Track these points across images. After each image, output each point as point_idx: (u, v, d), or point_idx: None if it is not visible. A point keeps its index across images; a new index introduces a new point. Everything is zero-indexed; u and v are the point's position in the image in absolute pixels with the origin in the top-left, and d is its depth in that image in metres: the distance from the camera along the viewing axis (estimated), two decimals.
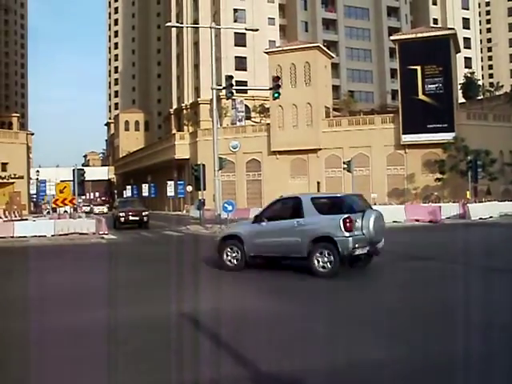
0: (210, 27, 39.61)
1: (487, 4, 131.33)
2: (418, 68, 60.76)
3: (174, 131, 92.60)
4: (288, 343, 8.45)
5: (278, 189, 62.97)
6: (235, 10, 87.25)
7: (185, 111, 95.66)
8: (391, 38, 69.13)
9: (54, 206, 42.94)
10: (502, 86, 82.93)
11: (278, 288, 13.63)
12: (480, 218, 39.48)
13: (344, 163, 48.28)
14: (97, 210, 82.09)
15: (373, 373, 7.05)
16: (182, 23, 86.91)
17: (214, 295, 12.62)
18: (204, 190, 38.19)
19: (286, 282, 14.62)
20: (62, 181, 48.30)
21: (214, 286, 13.92)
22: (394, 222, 37.47)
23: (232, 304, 11.60)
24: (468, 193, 46.32)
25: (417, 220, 38.35)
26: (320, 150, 64.43)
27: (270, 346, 8.35)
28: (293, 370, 7.16)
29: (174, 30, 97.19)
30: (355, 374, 7.02)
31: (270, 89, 35.84)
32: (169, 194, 69.40)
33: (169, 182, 70.27)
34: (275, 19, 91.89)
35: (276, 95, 34.08)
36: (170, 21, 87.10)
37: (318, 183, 62.98)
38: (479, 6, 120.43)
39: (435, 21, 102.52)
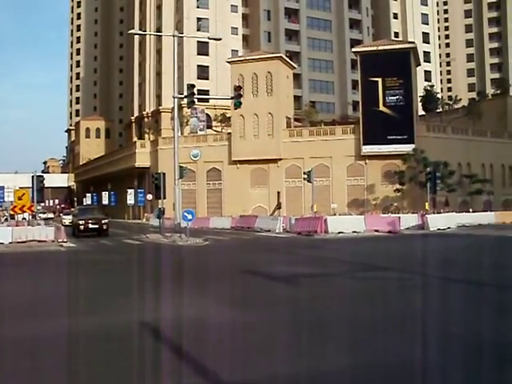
0: (173, 35, 39.43)
1: (446, 20, 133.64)
2: (379, 80, 61.31)
3: (134, 139, 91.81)
4: (252, 351, 8.38)
5: (238, 198, 63.10)
6: (198, 19, 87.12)
7: (146, 119, 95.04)
8: (353, 49, 69.72)
9: (12, 212, 42.13)
10: (460, 100, 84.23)
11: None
12: (438, 229, 39.87)
13: (304, 173, 48.26)
14: (42, 216, 78.03)
15: (333, 381, 7.02)
16: (144, 31, 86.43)
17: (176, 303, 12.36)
18: (164, 198, 37.80)
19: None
20: (20, 187, 47.34)
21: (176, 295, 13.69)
22: (354, 232, 37.66)
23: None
24: (427, 204, 46.75)
25: (376, 230, 38.36)
26: (281, 159, 64.45)
27: (231, 354, 8.22)
28: (254, 380, 7.07)
29: (136, 37, 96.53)
30: (316, 381, 6.97)
31: (232, 98, 35.83)
32: (129, 202, 68.63)
33: (129, 190, 69.51)
34: (238, 29, 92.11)
35: (237, 104, 34.04)
36: (133, 28, 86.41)
37: (278, 193, 63.06)
38: (438, 22, 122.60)
39: (396, 34, 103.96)
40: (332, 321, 10.41)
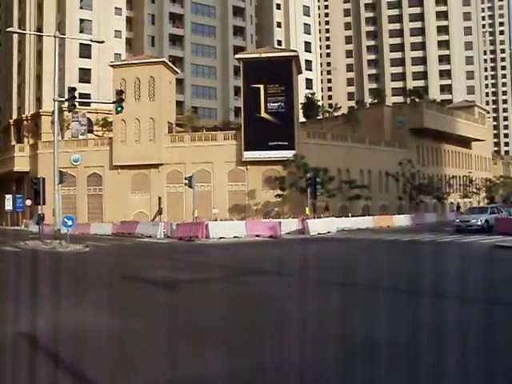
0: (54, 36, 37.78)
1: (327, 31, 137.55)
2: (261, 87, 61.72)
3: (13, 142, 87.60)
4: (131, 357, 8.21)
5: (119, 204, 61.50)
6: (81, 21, 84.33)
7: (25, 122, 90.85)
8: (236, 56, 69.83)
9: None
10: (340, 108, 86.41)
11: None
12: (318, 233, 40.56)
13: (185, 178, 47.68)
14: None
15: None
16: (24, 29, 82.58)
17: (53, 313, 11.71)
18: (44, 204, 36.33)
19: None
20: None
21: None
22: (235, 237, 37.80)
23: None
24: (307, 209, 47.35)
25: (257, 235, 38.57)
26: (162, 165, 63.42)
27: (109, 361, 8.07)
28: None
29: (15, 36, 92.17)
30: None
31: (114, 102, 35.10)
32: (7, 208, 65.10)
33: (7, 196, 65.94)
34: (122, 32, 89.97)
35: (119, 109, 33.27)
36: (12, 26, 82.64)
37: (160, 198, 61.93)
38: (320, 32, 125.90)
39: (279, 42, 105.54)
40: (212, 325, 10.38)
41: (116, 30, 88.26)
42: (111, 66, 68.39)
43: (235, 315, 11.30)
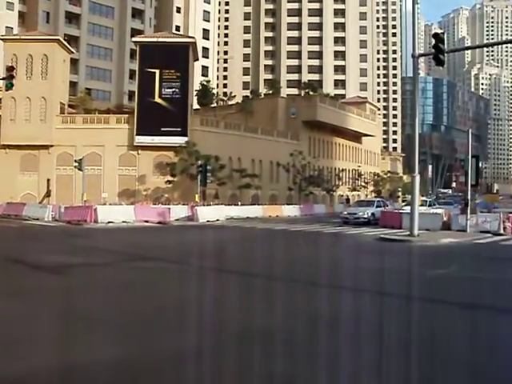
0: None
1: (226, 19, 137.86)
2: (157, 71, 61.14)
3: None
4: (10, 343, 7.92)
5: (5, 184, 59.24)
6: None
7: None
8: (133, 39, 68.65)
9: None
10: (235, 96, 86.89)
11: None
12: (208, 221, 40.93)
13: (75, 161, 46.73)
14: None
15: (97, 371, 6.92)
16: None
17: None
18: None
19: None
20: None
21: None
22: (124, 222, 37.58)
23: None
24: (197, 196, 47.50)
25: (146, 221, 38.46)
26: (52, 146, 61.60)
27: None
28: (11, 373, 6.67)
29: None
30: (83, 372, 6.87)
31: (3, 79, 33.85)
32: None
33: None
34: (15, 4, 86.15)
35: (9, 86, 32.00)
36: None
37: (48, 180, 60.25)
38: (219, 20, 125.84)
39: (178, 28, 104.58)
40: (98, 311, 10.26)
41: (8, 2, 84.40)
42: (2, 39, 65.60)
43: (122, 301, 11.30)
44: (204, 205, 46.83)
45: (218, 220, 42.42)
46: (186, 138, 59.02)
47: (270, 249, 23.55)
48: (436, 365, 7.27)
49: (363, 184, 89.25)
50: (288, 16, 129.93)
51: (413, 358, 7.58)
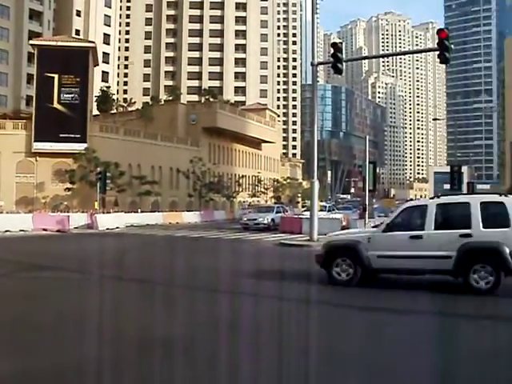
0: None
1: (127, 24, 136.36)
2: (56, 76, 60.30)
3: None
4: None
5: None
6: None
7: None
8: (30, 42, 67.31)
9: None
10: (135, 103, 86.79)
11: None
12: (107, 228, 40.60)
13: None
14: None
15: None
16: None
17: None
18: None
19: None
20: None
21: None
22: (21, 230, 36.64)
23: None
24: (96, 203, 47.24)
25: (45, 229, 37.81)
26: None
27: None
28: None
29: None
30: None
31: None
32: None
33: None
34: None
35: None
36: None
37: None
38: (120, 25, 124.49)
39: (78, 32, 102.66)
40: None
41: None
42: None
43: (15, 313, 10.98)
44: (103, 212, 46.59)
45: (117, 227, 42.11)
46: (85, 145, 58.47)
47: (169, 256, 23.45)
48: (337, 367, 7.59)
49: (263, 190, 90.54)
50: (189, 22, 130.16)
51: (311, 360, 7.77)
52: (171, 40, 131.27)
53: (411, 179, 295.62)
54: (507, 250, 12.67)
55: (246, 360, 7.77)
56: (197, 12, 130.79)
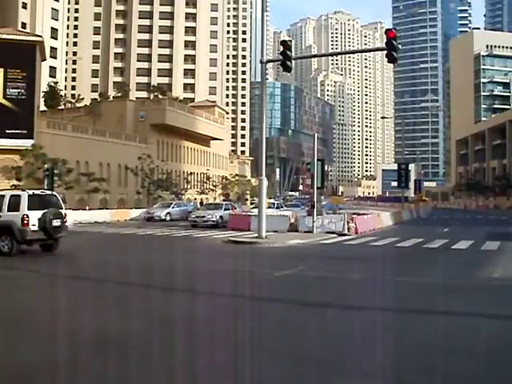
0: None
1: (76, 19, 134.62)
2: (1, 70, 59.45)
3: None
4: None
5: None
6: None
7: None
8: None
9: None
10: (83, 99, 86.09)
11: None
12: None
13: None
14: None
15: None
16: None
17: None
18: None
19: None
20: None
21: None
22: None
23: None
24: None
25: None
26: None
27: None
28: None
29: None
30: None
31: None
32: None
33: None
34: None
35: None
36: None
37: None
38: (68, 20, 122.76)
39: (24, 25, 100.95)
40: None
41: None
42: None
43: None
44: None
45: None
46: (32, 141, 57.78)
47: (117, 254, 23.39)
48: (287, 362, 7.73)
49: (211, 187, 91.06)
50: (139, 18, 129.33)
51: (261, 355, 7.94)
52: (120, 36, 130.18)
53: (359, 177, 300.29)
54: (17, 227, 19.98)
55: (196, 356, 8.00)
56: (146, 8, 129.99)
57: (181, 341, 8.77)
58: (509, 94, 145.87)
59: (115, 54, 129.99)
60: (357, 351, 8.32)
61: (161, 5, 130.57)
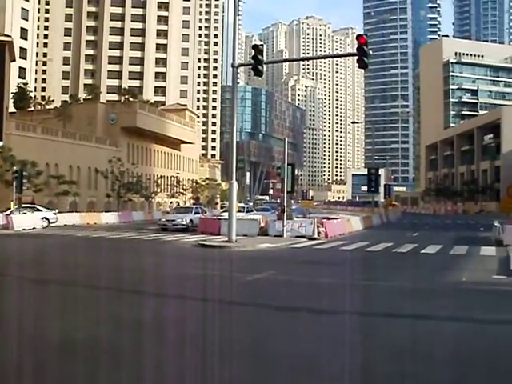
0: None
1: (46, 19, 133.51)
2: None
3: None
4: None
5: None
6: None
7: None
8: None
9: None
10: (53, 101, 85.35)
11: None
12: (23, 229, 39.92)
13: None
14: None
15: None
16: None
17: None
18: None
19: None
20: None
21: None
22: None
23: None
24: (12, 203, 46.50)
25: None
26: None
27: None
28: None
29: None
30: None
31: None
32: None
33: None
34: None
35: None
36: None
37: None
38: (39, 20, 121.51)
39: None
40: None
41: None
42: None
43: None
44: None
45: (34, 228, 41.62)
46: (0, 143, 57.19)
47: (86, 257, 23.07)
48: (258, 366, 7.78)
49: (182, 191, 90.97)
50: (111, 20, 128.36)
51: (232, 359, 7.97)
52: (92, 38, 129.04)
53: (329, 181, 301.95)
54: None
55: (165, 360, 8.01)
56: (118, 10, 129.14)
57: (150, 345, 8.73)
58: (477, 101, 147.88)
59: (86, 55, 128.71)
60: (327, 355, 8.37)
61: (133, 7, 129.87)
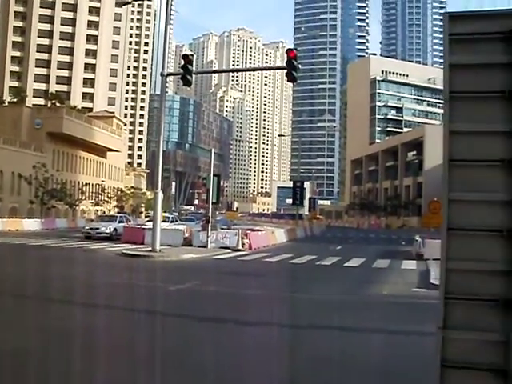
0: None
1: None
2: None
3: None
4: None
5: None
6: None
7: None
8: None
9: None
10: None
11: None
12: None
13: None
14: None
15: None
16: None
17: None
18: None
19: None
20: None
21: None
22: None
23: None
24: None
25: None
26: None
27: None
28: None
29: None
30: None
31: None
32: None
33: None
34: None
35: None
36: None
37: None
38: None
39: None
40: None
41: None
42: None
43: None
44: None
45: None
46: None
47: (4, 265, 22.54)
48: (183, 378, 7.85)
49: (107, 199, 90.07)
50: (39, 22, 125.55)
51: (157, 370, 8.00)
52: (18, 39, 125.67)
53: (255, 193, 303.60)
54: None
55: (92, 369, 7.95)
56: (48, 12, 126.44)
57: (77, 355, 8.55)
58: (401, 119, 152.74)
59: (12, 57, 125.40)
60: (253, 366, 8.54)
61: (63, 10, 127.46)
